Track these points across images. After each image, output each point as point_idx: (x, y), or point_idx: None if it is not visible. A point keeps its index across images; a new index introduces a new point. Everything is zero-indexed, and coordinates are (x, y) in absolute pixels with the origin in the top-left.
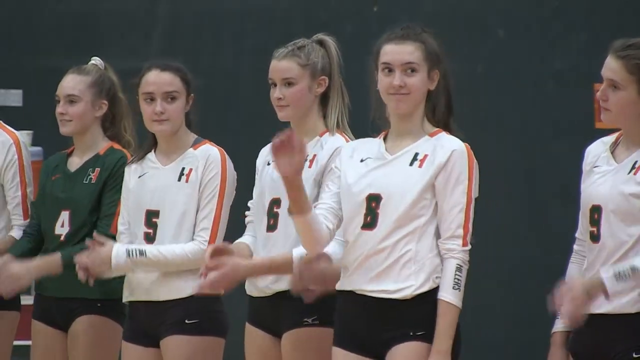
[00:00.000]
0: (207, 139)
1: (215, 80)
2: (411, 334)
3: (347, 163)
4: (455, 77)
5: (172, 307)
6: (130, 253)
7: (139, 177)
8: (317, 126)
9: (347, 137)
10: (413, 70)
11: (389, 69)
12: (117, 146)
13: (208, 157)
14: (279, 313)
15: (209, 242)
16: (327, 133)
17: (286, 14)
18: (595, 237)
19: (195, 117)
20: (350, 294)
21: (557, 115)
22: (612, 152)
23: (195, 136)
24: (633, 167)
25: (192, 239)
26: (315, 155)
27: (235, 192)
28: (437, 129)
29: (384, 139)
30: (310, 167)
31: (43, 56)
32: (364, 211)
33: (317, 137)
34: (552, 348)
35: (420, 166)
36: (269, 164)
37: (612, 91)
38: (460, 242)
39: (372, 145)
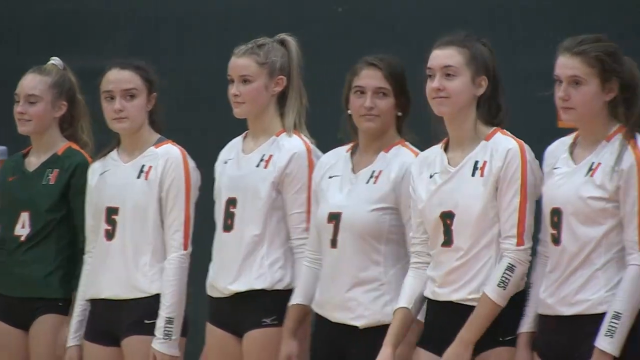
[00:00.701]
0: (172, 139)
1: (180, 80)
2: (500, 339)
3: (417, 181)
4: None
5: (132, 307)
6: (167, 334)
7: (101, 174)
8: (274, 125)
9: (304, 138)
10: (452, 74)
11: (431, 75)
12: (75, 146)
13: (168, 157)
14: (239, 313)
15: (184, 243)
16: (284, 133)
17: (250, 14)
18: (556, 240)
19: (158, 115)
20: (437, 303)
21: (525, 116)
22: (571, 153)
23: (159, 135)
24: (590, 169)
25: (159, 242)
26: (271, 156)
27: (198, 191)
28: (493, 129)
29: (445, 149)
30: (266, 167)
31: (4, 55)
32: (441, 229)
33: (274, 137)
34: (518, 348)
35: (481, 175)
36: (226, 162)
37: (574, 88)
38: (514, 241)
39: (436, 156)
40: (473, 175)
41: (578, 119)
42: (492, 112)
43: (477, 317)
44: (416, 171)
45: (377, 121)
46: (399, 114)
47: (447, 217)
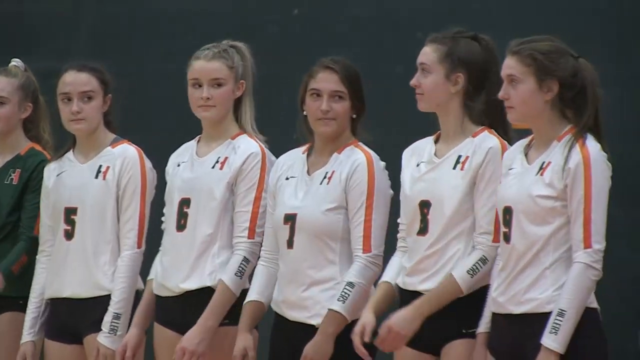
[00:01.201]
0: (127, 139)
1: (143, 81)
2: (464, 331)
3: (405, 167)
4: (377, 78)
5: (93, 305)
6: (112, 329)
7: (58, 175)
8: (230, 128)
9: (259, 141)
10: (426, 70)
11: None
12: (38, 147)
13: (125, 156)
14: (189, 312)
15: (137, 241)
16: (241, 136)
17: (210, 18)
18: (507, 238)
19: (114, 116)
20: (408, 293)
21: None
22: (526, 154)
23: (114, 135)
24: (541, 168)
25: (118, 241)
26: (227, 158)
27: (154, 190)
28: (481, 127)
29: (436, 141)
30: (221, 169)
31: None
32: (418, 217)
33: (229, 140)
34: (477, 347)
35: (462, 169)
36: (178, 165)
37: (512, 88)
38: (490, 237)
39: (426, 146)
40: (454, 168)
41: (519, 118)
42: (479, 109)
43: (437, 294)
44: (406, 159)
45: (333, 124)
46: (354, 116)
47: (424, 206)
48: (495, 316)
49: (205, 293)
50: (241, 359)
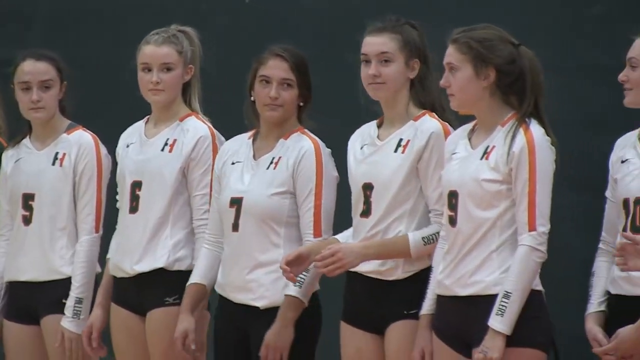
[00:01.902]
0: (82, 125)
1: (95, 69)
2: (405, 312)
3: (352, 151)
4: (333, 67)
5: (50, 288)
6: (75, 314)
7: (15, 161)
8: (179, 111)
9: (207, 123)
10: (388, 60)
11: (367, 60)
12: None
13: (81, 143)
14: (143, 293)
15: (95, 226)
16: (188, 117)
17: (162, 6)
18: (453, 222)
19: (68, 103)
20: (353, 275)
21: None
22: (470, 139)
23: (69, 122)
24: (485, 152)
25: (75, 226)
26: (175, 140)
27: (110, 175)
28: (423, 111)
29: (379, 126)
30: (171, 151)
31: None
32: (362, 199)
33: (177, 122)
34: (420, 329)
35: (403, 152)
36: (127, 146)
37: (452, 75)
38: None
39: (370, 130)
40: (395, 151)
41: (459, 105)
42: (423, 93)
43: (386, 244)
44: (352, 142)
45: (280, 111)
46: (301, 104)
47: (367, 189)
48: (441, 298)
49: (158, 274)
50: (182, 340)
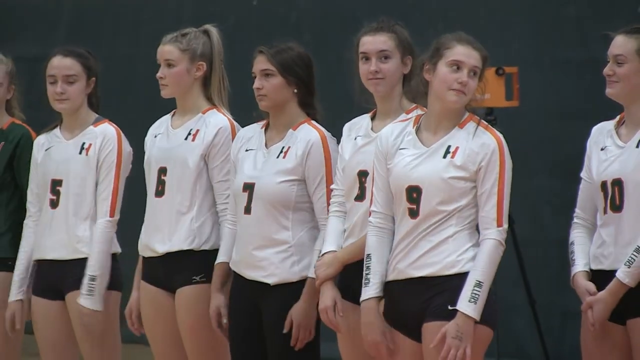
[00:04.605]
0: (107, 118)
1: (114, 65)
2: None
3: (346, 140)
4: (330, 65)
5: (74, 266)
6: (90, 291)
7: (46, 150)
8: (199, 104)
9: (227, 115)
10: (387, 57)
11: (366, 57)
12: (17, 121)
13: (105, 134)
14: (171, 272)
15: (110, 210)
16: (210, 110)
17: (178, 6)
18: (414, 213)
19: (97, 98)
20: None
21: None
22: (418, 135)
23: (96, 115)
24: (448, 152)
25: (95, 209)
26: (198, 130)
27: (131, 165)
28: (414, 105)
29: (373, 118)
30: (193, 140)
31: None
32: (357, 185)
33: (200, 114)
34: (372, 312)
35: None
36: (155, 136)
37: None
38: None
39: (363, 122)
40: None
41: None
42: (414, 88)
43: (356, 246)
44: (345, 132)
45: (267, 100)
46: (295, 91)
47: (362, 175)
48: (393, 283)
49: (185, 254)
50: (216, 317)
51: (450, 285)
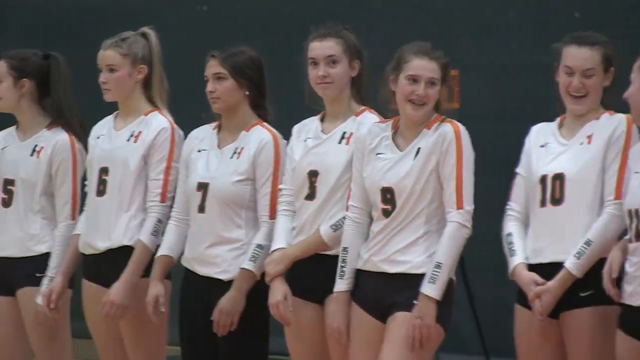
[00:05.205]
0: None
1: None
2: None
3: (295, 142)
4: (299, 68)
5: (24, 263)
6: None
7: (2, 149)
8: (141, 106)
9: (168, 117)
10: (334, 62)
11: (315, 62)
12: None
13: (57, 140)
14: (111, 268)
15: (71, 214)
16: (152, 112)
17: (122, 11)
18: (388, 213)
19: (54, 101)
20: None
21: None
22: (395, 139)
23: (50, 119)
24: (417, 154)
25: (46, 210)
26: (140, 132)
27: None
28: (363, 107)
29: (322, 120)
30: (135, 142)
31: None
32: (307, 184)
33: (142, 116)
34: (340, 305)
35: (347, 143)
36: (98, 137)
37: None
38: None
39: (312, 124)
40: (340, 142)
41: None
42: (361, 91)
43: (305, 243)
44: (295, 134)
45: (219, 102)
46: (247, 93)
47: (313, 175)
48: (367, 273)
49: (125, 250)
50: (153, 304)
51: (419, 283)
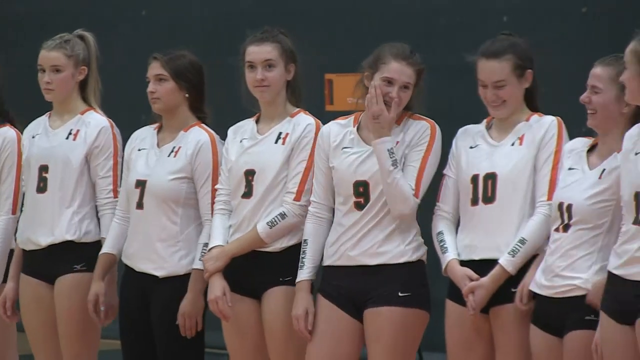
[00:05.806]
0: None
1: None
2: (280, 279)
3: (231, 144)
4: (218, 70)
5: None
6: None
7: None
8: (77, 106)
9: (103, 115)
10: (271, 66)
11: (252, 66)
12: None
13: (5, 137)
14: (53, 262)
15: (13, 208)
16: (88, 112)
17: (69, 14)
18: (361, 206)
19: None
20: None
21: None
22: (361, 136)
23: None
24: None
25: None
26: (78, 130)
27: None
28: (298, 109)
29: (257, 121)
30: (75, 139)
31: None
32: (244, 183)
33: (78, 115)
34: (301, 293)
35: (283, 143)
36: (33, 137)
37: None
38: (292, 196)
39: (247, 126)
40: (276, 142)
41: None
42: (296, 93)
43: (243, 240)
44: (231, 136)
45: (159, 102)
46: (186, 95)
47: (249, 174)
48: (339, 269)
49: (67, 246)
50: (93, 303)
51: (399, 272)
